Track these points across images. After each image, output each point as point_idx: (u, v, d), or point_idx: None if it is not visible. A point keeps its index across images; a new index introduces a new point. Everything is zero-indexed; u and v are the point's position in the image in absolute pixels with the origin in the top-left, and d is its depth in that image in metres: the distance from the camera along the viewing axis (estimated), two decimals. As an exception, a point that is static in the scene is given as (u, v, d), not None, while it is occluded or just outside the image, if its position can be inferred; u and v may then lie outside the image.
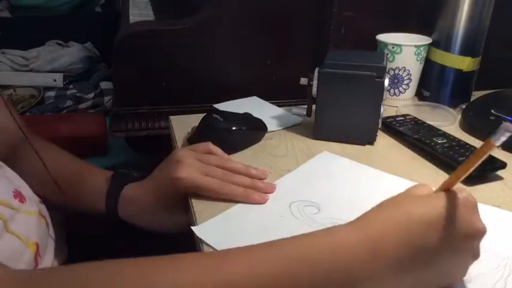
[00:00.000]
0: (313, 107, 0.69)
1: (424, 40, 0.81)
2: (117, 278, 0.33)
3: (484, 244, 0.37)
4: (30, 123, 0.67)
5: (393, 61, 0.81)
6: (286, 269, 0.34)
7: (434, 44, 0.82)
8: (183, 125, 0.72)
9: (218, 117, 0.65)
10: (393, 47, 0.80)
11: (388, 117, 0.73)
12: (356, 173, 0.60)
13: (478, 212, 0.37)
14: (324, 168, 0.61)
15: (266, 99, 0.84)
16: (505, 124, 0.31)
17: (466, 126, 0.74)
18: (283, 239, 0.36)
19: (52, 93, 1.35)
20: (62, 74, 1.41)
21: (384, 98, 0.66)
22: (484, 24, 0.79)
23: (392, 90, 0.83)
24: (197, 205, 0.52)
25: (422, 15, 0.88)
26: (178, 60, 0.85)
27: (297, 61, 0.88)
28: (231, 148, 0.63)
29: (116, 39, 0.83)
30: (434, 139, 0.65)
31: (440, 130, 0.69)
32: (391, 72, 0.82)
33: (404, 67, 0.81)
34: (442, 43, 0.81)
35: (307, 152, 0.66)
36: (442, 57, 0.81)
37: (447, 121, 0.76)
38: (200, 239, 0.46)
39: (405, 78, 0.82)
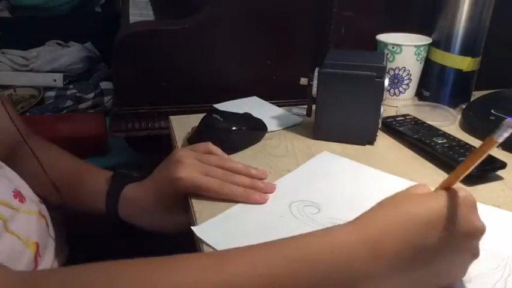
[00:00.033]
0: (313, 107, 0.69)
1: (424, 40, 0.81)
2: (118, 279, 0.33)
3: (484, 244, 0.37)
4: (30, 123, 0.67)
5: (393, 61, 0.81)
6: (286, 269, 0.34)
7: (434, 44, 0.82)
8: (183, 125, 0.72)
9: (218, 117, 0.65)
10: (393, 47, 0.80)
11: (388, 117, 0.73)
12: (356, 173, 0.60)
13: (477, 211, 0.37)
14: (324, 168, 0.61)
15: (266, 99, 0.84)
16: (508, 120, 0.31)
17: (466, 126, 0.74)
18: (283, 239, 0.36)
19: (52, 93, 1.35)
20: (62, 74, 1.41)
21: (384, 98, 0.66)
22: (484, 24, 0.79)
23: (392, 90, 0.83)
24: (197, 205, 0.52)
25: (422, 15, 0.88)
26: (178, 60, 0.85)
27: (297, 61, 0.88)
28: (231, 148, 0.63)
29: (116, 39, 0.83)
30: (434, 139, 0.65)
31: (440, 130, 0.69)
32: (391, 72, 0.82)
33: (404, 67, 0.81)
34: (442, 43, 0.81)
35: (307, 152, 0.66)
36: (442, 57, 0.81)
37: (447, 121, 0.76)
38: (200, 239, 0.46)
39: (405, 78, 0.82)
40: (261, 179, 0.57)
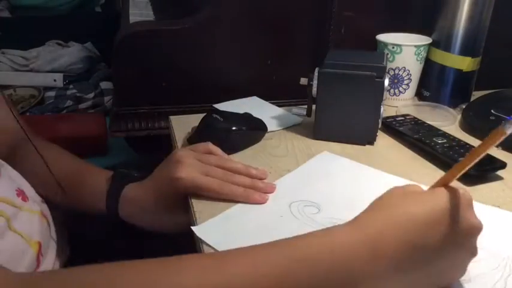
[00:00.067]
0: (313, 107, 0.69)
1: (424, 40, 0.81)
2: (118, 280, 0.33)
3: (484, 244, 0.37)
4: (30, 123, 0.67)
5: (393, 61, 0.81)
6: (286, 269, 0.34)
7: (434, 44, 0.82)
8: (183, 125, 0.72)
9: (218, 117, 0.65)
10: (393, 47, 0.80)
11: (388, 117, 0.73)
12: (356, 173, 0.60)
13: (473, 208, 0.37)
14: (324, 168, 0.61)
15: (266, 99, 0.84)
16: None
17: (466, 126, 0.74)
18: (283, 239, 0.36)
19: (52, 93, 1.35)
20: (62, 74, 1.41)
21: (384, 98, 0.66)
22: (484, 24, 0.79)
23: (392, 90, 0.83)
24: (197, 205, 0.52)
25: (422, 15, 0.88)
26: (178, 60, 0.85)
27: (297, 61, 0.88)
28: (231, 148, 0.63)
29: (116, 39, 0.83)
30: (434, 139, 0.65)
31: (440, 130, 0.69)
32: (391, 72, 0.82)
33: (404, 67, 0.81)
34: (442, 43, 0.81)
35: (307, 152, 0.66)
36: (442, 57, 0.81)
37: (447, 121, 0.76)
38: (200, 239, 0.46)
39: (405, 78, 0.82)
40: (261, 179, 0.57)
